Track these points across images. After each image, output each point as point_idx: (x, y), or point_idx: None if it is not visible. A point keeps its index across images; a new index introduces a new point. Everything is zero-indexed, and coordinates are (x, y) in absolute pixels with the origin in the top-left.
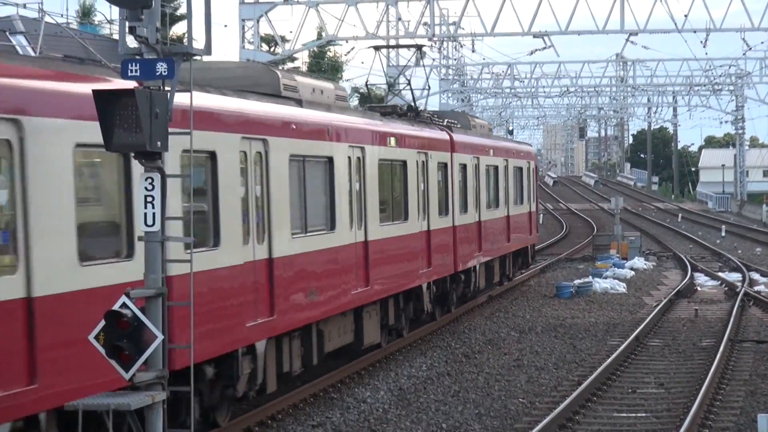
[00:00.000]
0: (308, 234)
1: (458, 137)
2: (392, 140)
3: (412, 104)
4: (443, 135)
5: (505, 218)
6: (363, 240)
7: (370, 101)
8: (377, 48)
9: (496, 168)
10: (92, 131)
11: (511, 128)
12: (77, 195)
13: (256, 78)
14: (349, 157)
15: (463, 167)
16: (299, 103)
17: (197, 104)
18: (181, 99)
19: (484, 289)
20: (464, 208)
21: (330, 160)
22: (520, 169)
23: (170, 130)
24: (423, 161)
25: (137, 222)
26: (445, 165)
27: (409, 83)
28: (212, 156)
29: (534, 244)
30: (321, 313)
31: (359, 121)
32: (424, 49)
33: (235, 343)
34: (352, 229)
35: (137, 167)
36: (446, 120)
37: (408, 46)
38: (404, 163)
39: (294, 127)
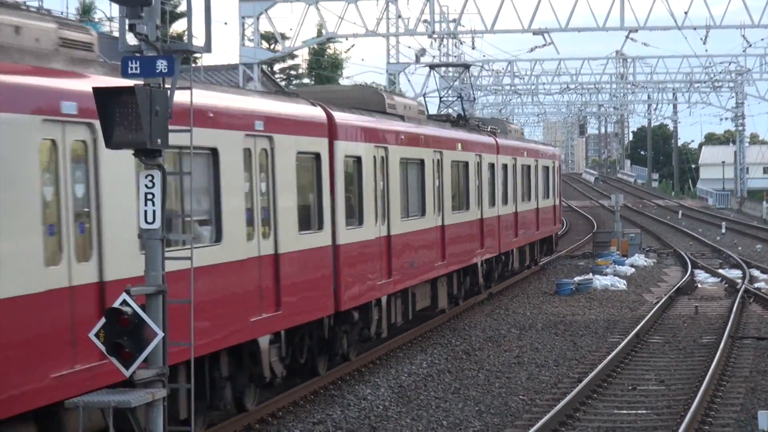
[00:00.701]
0: (410, 218)
1: (501, 141)
2: (459, 145)
3: (462, 113)
4: (491, 140)
5: (535, 210)
6: (441, 224)
7: None
8: (432, 66)
9: (528, 167)
10: None
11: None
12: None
13: (367, 98)
14: (433, 160)
15: (504, 167)
16: (402, 118)
17: (362, 123)
18: (360, 121)
19: (518, 270)
20: (505, 201)
21: (422, 162)
22: (547, 167)
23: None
24: (478, 162)
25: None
26: (492, 165)
27: (460, 96)
28: (358, 160)
29: (557, 233)
30: (416, 281)
31: (437, 131)
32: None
33: (372, 296)
34: (434, 216)
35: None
36: (489, 126)
37: (456, 65)
38: (466, 164)
39: (402, 137)
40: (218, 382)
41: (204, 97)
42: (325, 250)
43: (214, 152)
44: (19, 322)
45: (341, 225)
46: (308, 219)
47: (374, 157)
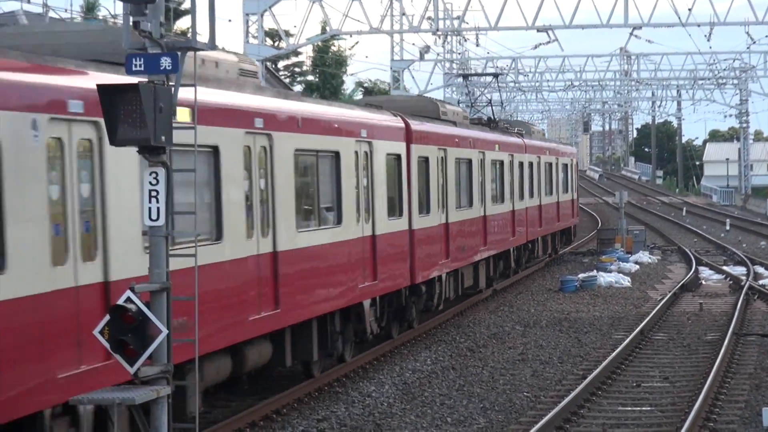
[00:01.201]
0: (461, 209)
1: (527, 142)
2: (497, 146)
3: (492, 117)
4: (519, 141)
5: (556, 203)
6: (483, 215)
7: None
8: (465, 76)
9: (550, 164)
10: None
11: None
12: None
13: (424, 106)
14: (478, 159)
15: (531, 164)
16: (454, 123)
17: (429, 129)
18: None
19: (541, 256)
20: (531, 195)
21: (470, 161)
22: (566, 165)
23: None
24: (510, 161)
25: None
26: (521, 163)
27: (490, 102)
28: (426, 160)
29: (576, 224)
30: (465, 263)
31: (481, 134)
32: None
33: (435, 272)
34: (479, 207)
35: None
36: (516, 128)
37: (487, 74)
38: (502, 162)
39: (457, 140)
40: (333, 336)
41: (333, 113)
42: (404, 234)
43: (336, 155)
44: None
45: (415, 213)
46: (393, 208)
47: (437, 157)
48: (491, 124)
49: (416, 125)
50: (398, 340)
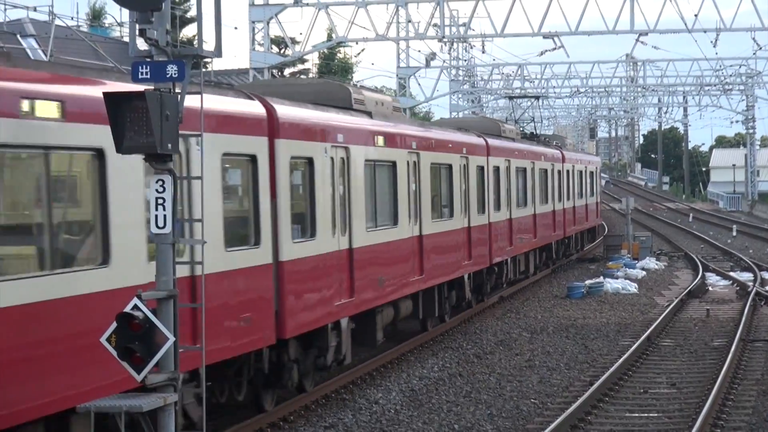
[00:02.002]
0: (519, 207)
1: (565, 153)
2: (542, 157)
3: (534, 132)
4: (558, 153)
5: (584, 205)
6: (533, 213)
7: None
8: (511, 98)
9: (581, 172)
10: None
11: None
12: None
13: (486, 125)
14: (531, 169)
15: (568, 172)
16: (513, 139)
17: (501, 144)
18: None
19: (574, 251)
20: (568, 198)
21: (525, 170)
22: (592, 172)
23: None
24: (551, 170)
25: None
26: (560, 171)
27: (533, 119)
28: (497, 169)
29: (601, 224)
30: (522, 252)
31: (532, 147)
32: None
33: (485, 263)
34: (531, 207)
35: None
36: (555, 141)
37: (529, 97)
38: (545, 171)
39: (516, 153)
40: (443, 302)
41: (435, 132)
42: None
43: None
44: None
45: (493, 210)
46: (482, 205)
47: (506, 167)
48: (535, 138)
49: (491, 142)
50: (405, 346)
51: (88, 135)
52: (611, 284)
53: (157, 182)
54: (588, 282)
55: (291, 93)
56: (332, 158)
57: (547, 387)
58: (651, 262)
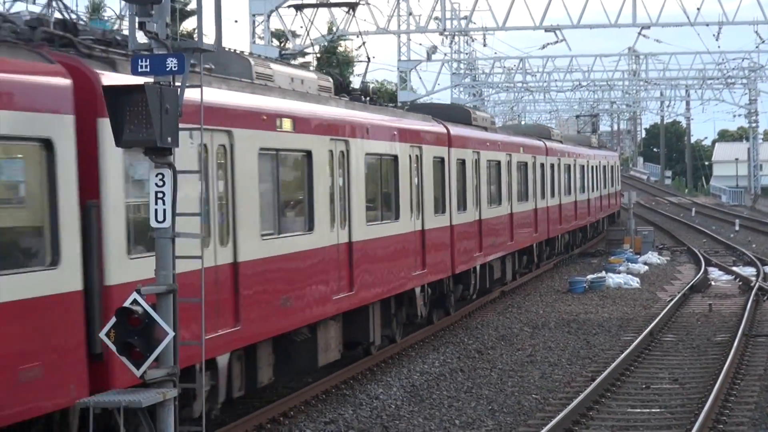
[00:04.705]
0: (550, 197)
1: (593, 151)
2: (566, 154)
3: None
4: (541, 144)
5: (607, 195)
6: (558, 204)
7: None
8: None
9: (605, 166)
10: None
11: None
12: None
13: (540, 130)
14: (557, 164)
15: (593, 167)
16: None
17: (553, 146)
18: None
19: (595, 235)
20: (593, 189)
21: (552, 165)
22: (612, 166)
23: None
24: (585, 164)
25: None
26: (583, 166)
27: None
28: (523, 164)
29: (619, 210)
30: (544, 238)
31: (557, 145)
32: None
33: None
34: (554, 199)
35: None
36: (594, 142)
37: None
38: (568, 166)
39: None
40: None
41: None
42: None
43: (525, 165)
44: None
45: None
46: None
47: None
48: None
49: (550, 144)
50: (404, 342)
51: None
52: (613, 279)
53: (156, 176)
54: (590, 277)
55: (433, 112)
56: (474, 160)
57: (549, 382)
58: (653, 257)
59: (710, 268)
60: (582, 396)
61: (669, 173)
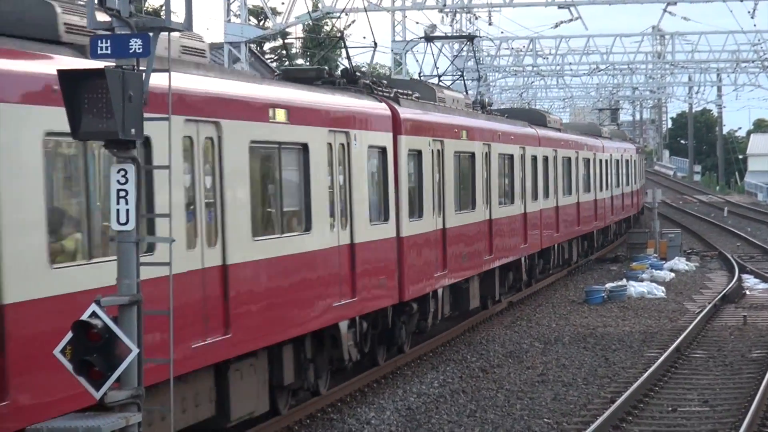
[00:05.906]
0: (568, 195)
1: (612, 143)
2: (567, 144)
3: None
4: (533, 132)
5: (621, 195)
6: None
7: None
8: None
9: (627, 161)
10: None
11: None
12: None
13: (533, 115)
14: (583, 158)
15: (616, 162)
16: (559, 129)
17: (553, 135)
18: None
19: (605, 244)
20: (617, 185)
21: (588, 161)
22: (628, 160)
23: None
24: (609, 159)
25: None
26: (606, 161)
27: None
28: (508, 157)
29: (642, 209)
30: (567, 239)
31: (554, 134)
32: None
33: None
34: (591, 193)
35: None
36: (615, 136)
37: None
38: (587, 161)
39: (562, 143)
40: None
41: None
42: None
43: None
44: None
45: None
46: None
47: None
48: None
49: (542, 133)
50: (400, 359)
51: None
52: (635, 288)
53: (118, 172)
54: (609, 285)
55: (511, 116)
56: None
57: (563, 405)
58: (680, 263)
59: (745, 276)
60: (600, 420)
61: (698, 168)
